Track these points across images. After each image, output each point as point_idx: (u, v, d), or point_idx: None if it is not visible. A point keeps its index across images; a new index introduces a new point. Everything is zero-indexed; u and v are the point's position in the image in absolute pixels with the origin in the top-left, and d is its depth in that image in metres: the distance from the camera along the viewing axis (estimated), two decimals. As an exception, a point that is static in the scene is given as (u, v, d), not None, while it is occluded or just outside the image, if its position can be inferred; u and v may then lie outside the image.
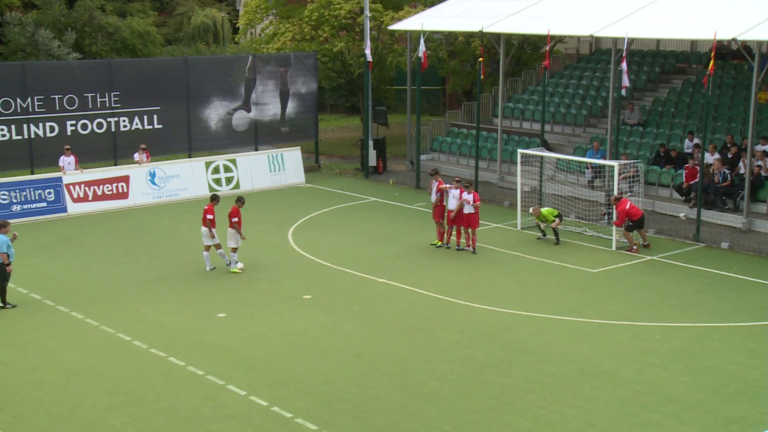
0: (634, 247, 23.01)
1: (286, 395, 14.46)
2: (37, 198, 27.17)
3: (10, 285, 19.21)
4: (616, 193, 23.29)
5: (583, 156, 28.73)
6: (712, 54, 24.39)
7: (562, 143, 32.13)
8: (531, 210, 24.49)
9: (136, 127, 30.88)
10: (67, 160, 27.92)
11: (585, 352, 16.30)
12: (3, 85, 28.36)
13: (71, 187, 27.69)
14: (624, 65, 25.78)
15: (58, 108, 29.22)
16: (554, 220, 23.86)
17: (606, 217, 25.22)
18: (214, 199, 21.88)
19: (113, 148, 30.50)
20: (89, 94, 29.78)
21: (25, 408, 14.13)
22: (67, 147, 28.12)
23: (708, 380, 15.02)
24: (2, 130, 28.27)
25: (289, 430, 13.33)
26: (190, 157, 32.03)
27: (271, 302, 19.29)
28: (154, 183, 29.33)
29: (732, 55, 32.56)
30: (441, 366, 15.66)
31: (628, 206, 22.79)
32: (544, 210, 24.19)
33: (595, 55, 37.04)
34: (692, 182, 26.33)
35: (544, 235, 24.32)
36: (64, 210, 27.50)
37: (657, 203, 27.37)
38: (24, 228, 25.22)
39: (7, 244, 18.65)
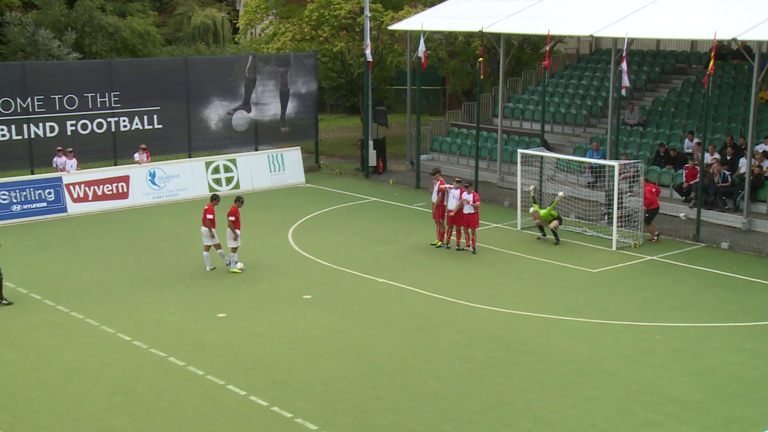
0: (655, 237, 23.89)
1: (286, 395, 14.46)
2: (37, 198, 27.14)
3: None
4: (616, 192, 23.39)
5: (583, 156, 28.74)
6: (712, 54, 24.39)
7: (562, 143, 32.12)
8: (531, 210, 24.48)
9: (136, 127, 30.88)
10: (69, 163, 27.92)
11: (585, 352, 16.30)
12: (3, 85, 28.34)
13: (71, 187, 27.68)
14: (624, 65, 25.77)
15: (58, 108, 29.21)
16: (554, 221, 23.84)
17: (606, 217, 25.22)
18: (215, 199, 21.88)
19: (113, 148, 30.50)
20: (89, 94, 29.77)
21: (25, 408, 14.12)
22: (69, 150, 28.13)
23: (708, 380, 15.02)
24: (2, 130, 28.26)
25: (289, 430, 13.33)
26: (190, 157, 32.03)
27: (271, 302, 19.29)
28: (154, 183, 29.32)
29: (732, 55, 32.55)
30: (441, 366, 15.65)
31: (654, 190, 23.97)
32: (543, 211, 24.18)
33: (595, 55, 37.04)
34: (692, 182, 26.35)
35: (544, 235, 24.32)
36: (64, 210, 27.49)
37: (657, 203, 27.38)
38: (24, 228, 25.25)
39: None
